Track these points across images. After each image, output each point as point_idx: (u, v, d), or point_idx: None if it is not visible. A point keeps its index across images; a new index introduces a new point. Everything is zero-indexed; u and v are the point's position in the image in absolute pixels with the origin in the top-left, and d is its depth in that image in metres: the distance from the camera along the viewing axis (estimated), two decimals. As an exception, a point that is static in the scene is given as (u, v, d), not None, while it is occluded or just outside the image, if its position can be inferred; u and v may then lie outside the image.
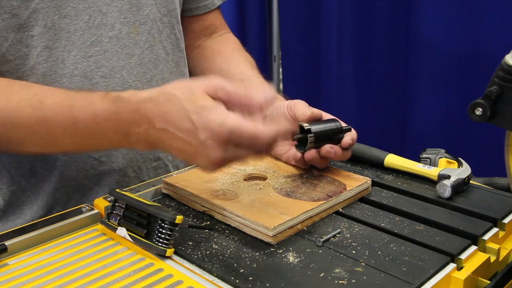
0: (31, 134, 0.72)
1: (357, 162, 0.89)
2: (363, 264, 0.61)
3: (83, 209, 0.73)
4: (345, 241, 0.66)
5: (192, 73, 1.07)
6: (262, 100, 0.65)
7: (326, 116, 0.83)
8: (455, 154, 0.89)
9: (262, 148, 0.63)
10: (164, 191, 0.80)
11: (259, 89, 0.65)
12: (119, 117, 0.67)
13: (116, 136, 0.69)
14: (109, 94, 0.69)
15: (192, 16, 1.06)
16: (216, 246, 0.65)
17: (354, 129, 0.83)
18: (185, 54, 1.02)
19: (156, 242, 0.63)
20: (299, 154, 0.82)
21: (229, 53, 1.06)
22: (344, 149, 0.81)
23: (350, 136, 0.81)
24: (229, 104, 0.64)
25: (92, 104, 0.69)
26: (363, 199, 0.77)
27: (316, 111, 0.81)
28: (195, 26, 1.07)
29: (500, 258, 0.65)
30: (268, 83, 0.92)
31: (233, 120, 0.61)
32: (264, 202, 0.72)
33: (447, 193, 0.75)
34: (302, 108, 0.81)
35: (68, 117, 0.70)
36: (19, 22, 0.79)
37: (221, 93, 0.64)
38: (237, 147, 0.62)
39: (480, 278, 0.62)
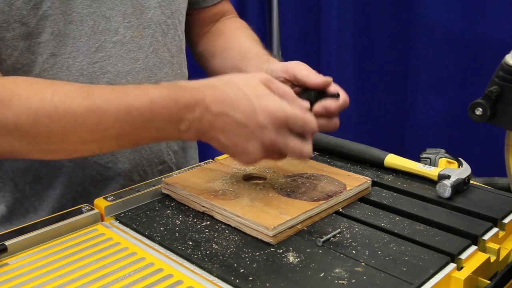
0: (78, 124, 0.67)
1: (357, 162, 0.89)
2: (363, 264, 0.61)
3: (83, 209, 0.73)
4: (345, 241, 0.66)
5: (200, 59, 1.06)
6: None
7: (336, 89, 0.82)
8: (455, 154, 0.89)
9: (308, 133, 0.70)
10: (164, 191, 0.80)
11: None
12: (176, 103, 0.67)
13: (167, 124, 0.68)
14: (162, 84, 0.70)
15: (200, 8, 1.06)
16: (216, 246, 0.65)
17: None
18: (185, 54, 1.02)
19: None
20: None
21: (230, 31, 1.06)
22: (324, 115, 0.77)
23: (327, 102, 0.77)
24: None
25: (147, 91, 0.68)
26: (363, 199, 0.77)
27: (328, 79, 0.80)
28: (203, 16, 1.07)
29: (500, 258, 0.65)
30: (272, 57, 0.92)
31: (290, 107, 0.68)
32: (264, 202, 0.72)
33: (447, 193, 0.75)
34: (308, 74, 0.81)
35: (121, 104, 0.67)
36: (27, 30, 0.78)
37: (271, 85, 0.71)
38: (289, 132, 0.68)
39: (480, 278, 0.62)
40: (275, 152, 0.70)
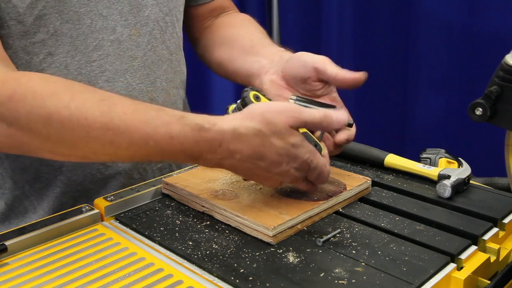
0: (90, 138, 0.64)
1: (357, 162, 0.89)
2: (363, 264, 0.61)
3: (83, 209, 0.73)
4: (345, 241, 0.66)
5: (204, 52, 1.06)
6: (335, 126, 0.72)
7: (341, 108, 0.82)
8: (455, 154, 0.89)
9: (320, 182, 0.72)
10: (164, 191, 0.80)
11: (333, 115, 0.71)
12: (196, 144, 0.64)
13: (183, 158, 0.66)
14: (186, 118, 0.65)
15: (197, 5, 1.06)
16: (216, 246, 0.65)
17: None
18: (183, 52, 1.02)
19: None
20: None
21: (239, 22, 1.05)
22: (336, 145, 0.78)
23: (346, 135, 0.78)
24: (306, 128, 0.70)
25: (168, 125, 0.64)
26: (363, 199, 0.77)
27: (361, 75, 0.80)
28: (201, 12, 1.07)
29: (500, 258, 0.65)
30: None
31: (319, 160, 0.69)
32: (264, 202, 0.72)
33: (447, 193, 0.75)
34: (337, 71, 0.80)
35: (139, 131, 0.64)
36: (23, 29, 0.78)
37: (299, 124, 0.68)
38: (307, 178, 0.70)
39: (480, 278, 0.62)
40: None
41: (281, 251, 0.64)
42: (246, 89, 0.74)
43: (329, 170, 0.72)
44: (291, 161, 0.67)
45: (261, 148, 0.65)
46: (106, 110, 0.64)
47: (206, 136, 0.64)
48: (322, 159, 0.70)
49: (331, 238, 0.66)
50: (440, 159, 0.88)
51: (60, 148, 0.67)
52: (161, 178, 0.81)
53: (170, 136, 0.64)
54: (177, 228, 0.70)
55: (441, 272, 0.59)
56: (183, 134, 0.64)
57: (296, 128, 0.67)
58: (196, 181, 0.78)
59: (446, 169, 0.80)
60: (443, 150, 0.90)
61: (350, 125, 0.77)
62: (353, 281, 0.58)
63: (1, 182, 0.88)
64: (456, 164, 0.86)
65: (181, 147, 0.64)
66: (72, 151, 0.67)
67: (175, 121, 0.64)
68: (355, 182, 0.77)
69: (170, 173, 0.84)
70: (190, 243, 0.66)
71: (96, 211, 0.73)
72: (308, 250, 0.64)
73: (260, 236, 0.66)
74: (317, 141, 0.71)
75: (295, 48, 0.88)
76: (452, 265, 0.61)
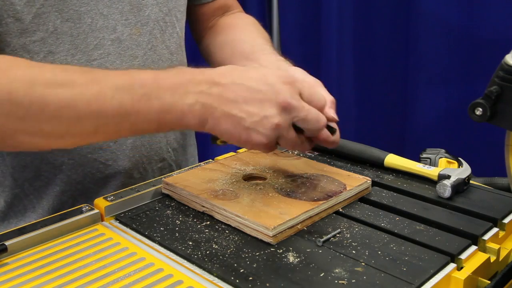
0: (75, 95, 0.63)
1: (357, 162, 0.89)
2: (363, 264, 0.61)
3: (83, 209, 0.73)
4: (345, 241, 0.66)
5: (207, 52, 1.06)
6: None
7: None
8: (455, 154, 0.89)
9: (317, 105, 0.70)
10: (164, 191, 0.80)
11: None
12: (181, 75, 0.67)
13: (171, 98, 0.65)
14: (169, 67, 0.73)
15: (201, 4, 1.06)
16: (216, 246, 0.65)
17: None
18: (185, 52, 1.02)
19: None
20: None
21: (243, 25, 1.05)
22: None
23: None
24: None
25: (152, 70, 0.69)
26: (363, 199, 0.77)
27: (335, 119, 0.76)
28: (205, 11, 1.07)
29: (500, 258, 0.65)
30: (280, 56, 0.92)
31: (301, 101, 0.68)
32: (264, 202, 0.72)
33: (447, 193, 0.75)
34: (322, 97, 0.76)
35: (123, 75, 0.66)
36: (21, 27, 0.78)
37: None
38: (300, 97, 0.68)
39: (480, 278, 0.62)
40: (290, 129, 0.68)
41: (281, 251, 0.64)
42: None
43: (323, 102, 0.72)
44: (273, 75, 0.68)
45: (240, 77, 0.67)
46: (87, 69, 0.68)
47: (189, 71, 0.68)
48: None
49: (331, 238, 0.66)
50: (440, 159, 0.88)
51: (41, 122, 0.64)
52: (161, 178, 0.81)
53: (154, 73, 0.67)
54: (177, 228, 0.70)
55: (441, 272, 0.59)
56: (167, 71, 0.68)
57: None
58: (196, 181, 0.78)
59: (446, 169, 0.80)
60: (443, 150, 0.90)
61: (332, 131, 0.74)
62: (353, 281, 0.58)
63: (1, 180, 0.89)
64: (456, 164, 0.86)
65: (166, 82, 0.66)
66: (53, 125, 0.65)
67: (159, 69, 0.70)
68: (355, 182, 0.77)
69: (170, 173, 0.84)
70: (190, 243, 0.66)
71: (96, 211, 0.73)
72: (308, 250, 0.64)
73: (260, 236, 0.66)
74: None
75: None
76: (452, 265, 0.61)
